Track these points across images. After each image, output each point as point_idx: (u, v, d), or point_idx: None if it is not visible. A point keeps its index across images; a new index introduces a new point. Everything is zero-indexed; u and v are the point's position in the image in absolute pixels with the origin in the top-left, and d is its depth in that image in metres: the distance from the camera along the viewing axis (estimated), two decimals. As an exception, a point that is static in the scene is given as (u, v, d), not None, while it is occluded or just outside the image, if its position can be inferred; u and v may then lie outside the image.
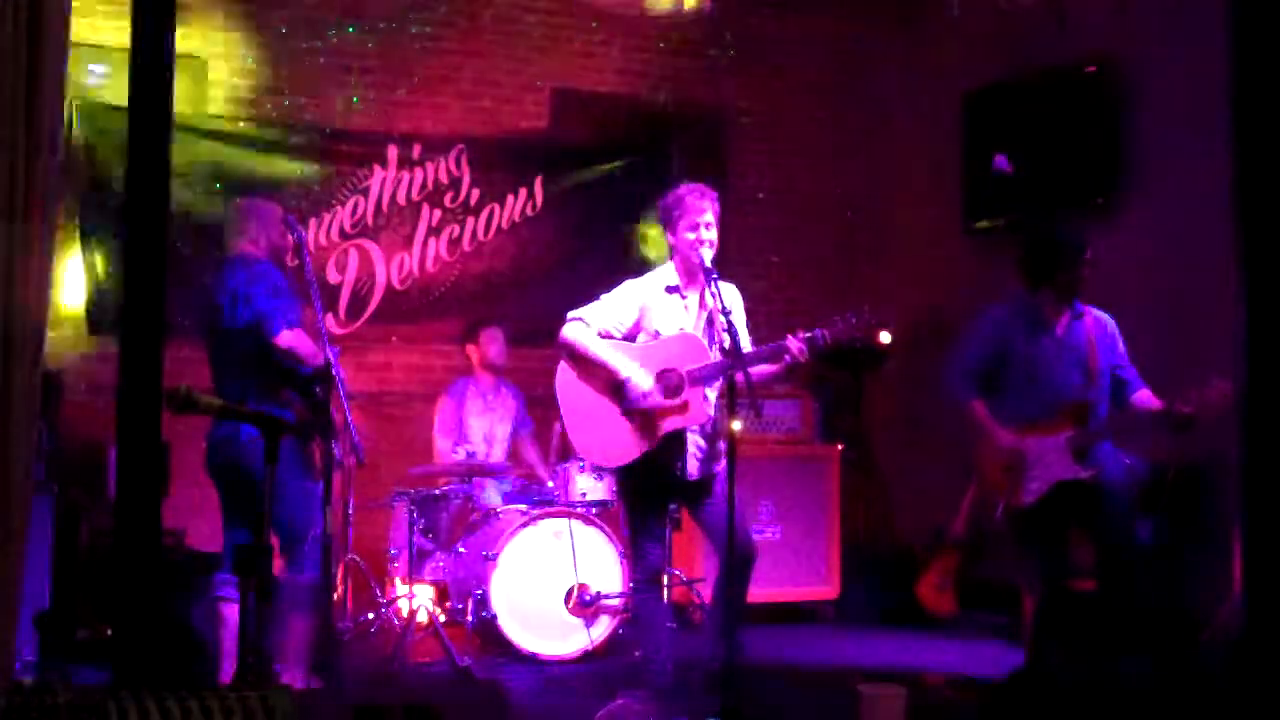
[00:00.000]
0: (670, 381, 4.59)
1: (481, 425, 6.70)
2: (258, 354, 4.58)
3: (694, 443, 4.67)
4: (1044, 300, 4.87)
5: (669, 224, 4.68)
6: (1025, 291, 4.93)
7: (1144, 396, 4.81)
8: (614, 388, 4.64)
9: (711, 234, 4.62)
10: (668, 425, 4.60)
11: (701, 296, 4.70)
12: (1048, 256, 4.86)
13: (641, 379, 4.56)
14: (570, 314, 4.75)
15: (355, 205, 7.27)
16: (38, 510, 4.57)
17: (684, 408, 4.58)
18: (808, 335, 4.45)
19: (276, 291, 4.58)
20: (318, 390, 4.52)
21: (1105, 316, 4.93)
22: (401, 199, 7.36)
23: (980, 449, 4.96)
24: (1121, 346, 4.90)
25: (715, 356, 4.58)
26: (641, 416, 4.61)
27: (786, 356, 4.45)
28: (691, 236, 4.61)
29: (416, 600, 5.79)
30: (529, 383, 7.04)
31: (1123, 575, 4.70)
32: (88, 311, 6.61)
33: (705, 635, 4.93)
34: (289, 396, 4.62)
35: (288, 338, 4.52)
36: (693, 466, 4.67)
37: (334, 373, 4.48)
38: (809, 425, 7.25)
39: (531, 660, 5.70)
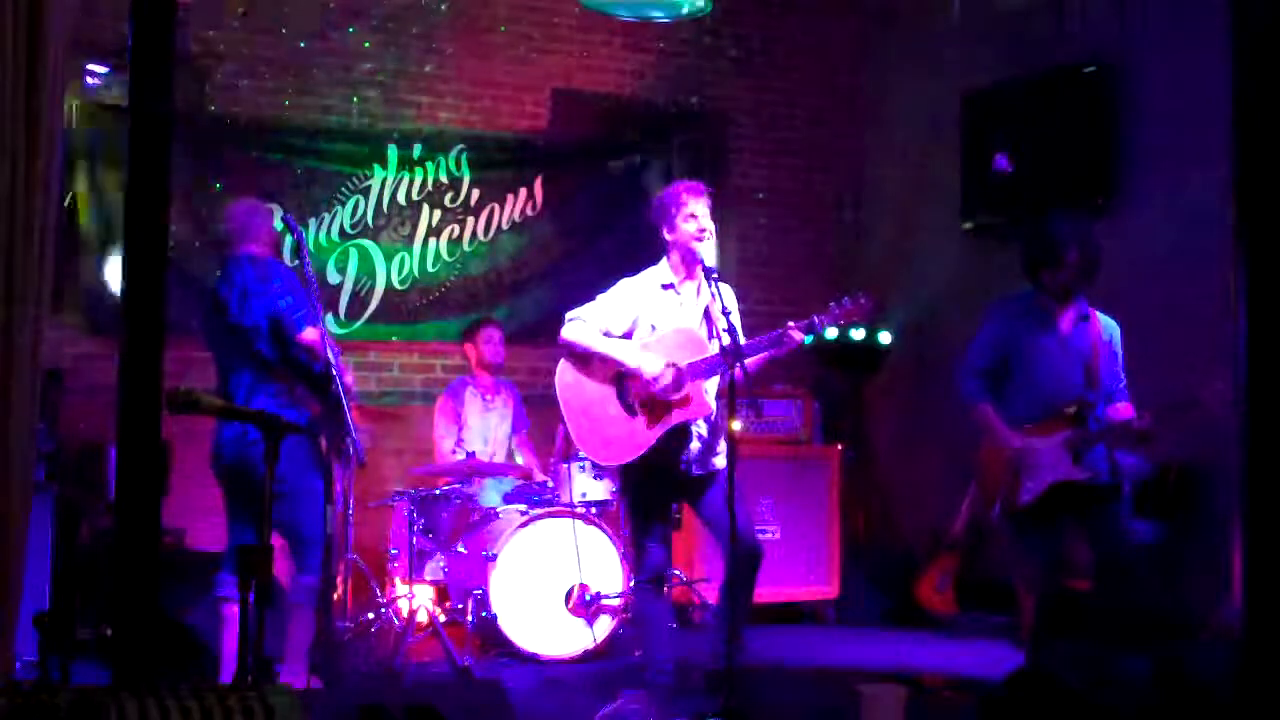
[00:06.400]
0: (671, 376, 4.60)
1: (481, 425, 6.70)
2: (272, 351, 4.58)
3: (697, 435, 4.68)
4: (1046, 299, 4.87)
5: (666, 220, 4.70)
6: (1031, 290, 4.93)
7: (1118, 407, 4.82)
8: (618, 382, 4.66)
9: (710, 224, 4.65)
10: (670, 419, 4.61)
11: (698, 290, 4.73)
12: (1034, 255, 4.86)
13: (651, 363, 4.57)
14: (569, 314, 4.76)
15: (355, 205, 7.27)
16: (38, 510, 4.57)
17: (685, 401, 4.59)
18: (806, 322, 4.51)
19: (292, 289, 4.58)
20: (331, 388, 4.52)
21: (1111, 322, 4.92)
22: (401, 199, 7.37)
23: (982, 448, 4.96)
24: (1121, 354, 4.90)
25: (714, 349, 4.60)
26: (644, 412, 4.62)
27: (786, 341, 4.50)
28: (691, 228, 4.63)
29: (416, 600, 5.79)
30: (529, 382, 7.06)
31: (1120, 575, 4.70)
32: (87, 311, 6.61)
33: (709, 634, 4.93)
34: (302, 394, 4.62)
35: (310, 334, 4.52)
36: (695, 460, 4.69)
37: (335, 372, 4.48)
38: (809, 425, 7.25)
39: (531, 660, 5.70)
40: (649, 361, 4.58)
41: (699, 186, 4.72)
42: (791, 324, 4.54)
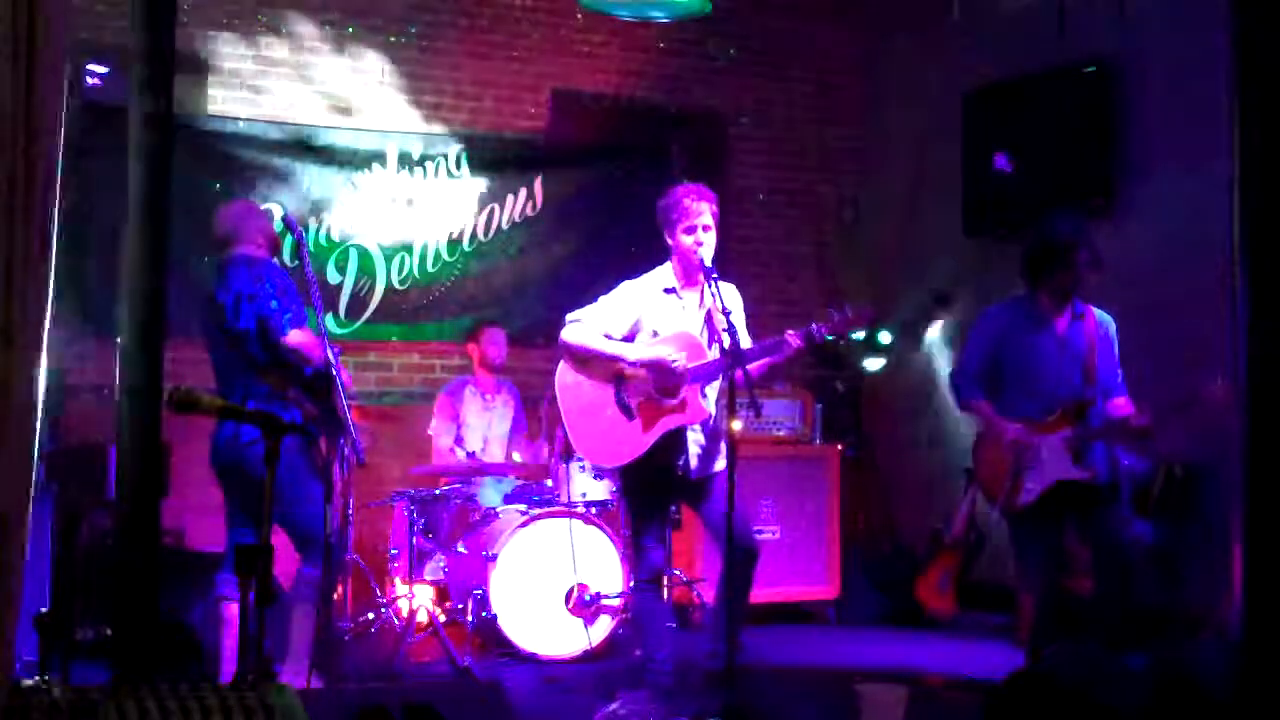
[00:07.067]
0: (669, 380, 4.60)
1: (481, 424, 6.70)
2: (263, 354, 4.58)
3: (694, 440, 4.68)
4: (1044, 299, 4.87)
5: (666, 226, 4.69)
6: (1026, 290, 4.94)
7: (1116, 404, 4.82)
8: (617, 384, 4.66)
9: (709, 236, 4.63)
10: (667, 424, 4.61)
11: (701, 296, 4.72)
12: (1042, 256, 4.86)
13: (657, 350, 4.56)
14: (569, 316, 4.76)
15: (355, 205, 7.27)
16: (38, 510, 4.56)
17: (681, 406, 4.59)
18: (805, 330, 4.49)
19: (283, 291, 4.58)
20: (330, 389, 4.52)
21: (1107, 318, 4.93)
22: (402, 199, 7.36)
23: (980, 447, 4.97)
24: (1115, 350, 4.90)
25: (714, 355, 4.60)
26: (641, 415, 4.62)
27: (784, 348, 4.49)
28: (689, 240, 4.62)
29: (416, 600, 5.79)
30: (529, 383, 7.05)
31: (1120, 575, 4.70)
32: (87, 311, 6.60)
33: (706, 634, 4.93)
34: (296, 395, 4.62)
35: (296, 337, 4.53)
36: (694, 464, 4.68)
37: (334, 372, 4.48)
38: (809, 425, 7.24)
39: (531, 660, 5.70)
40: (654, 350, 4.58)
41: (702, 191, 4.67)
42: (790, 332, 4.53)
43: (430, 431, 6.74)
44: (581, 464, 6.10)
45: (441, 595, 6.19)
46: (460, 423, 6.68)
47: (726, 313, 4.41)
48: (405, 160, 7.35)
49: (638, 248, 6.15)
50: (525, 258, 7.60)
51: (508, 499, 6.34)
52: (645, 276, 4.80)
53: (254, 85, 7.12)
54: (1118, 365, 4.89)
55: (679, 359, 4.56)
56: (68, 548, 5.40)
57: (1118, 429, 4.73)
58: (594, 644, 5.80)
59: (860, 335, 7.48)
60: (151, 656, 3.10)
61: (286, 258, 6.30)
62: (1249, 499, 2.84)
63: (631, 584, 5.34)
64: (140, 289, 3.16)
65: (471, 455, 6.35)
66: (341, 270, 7.23)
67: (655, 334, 4.69)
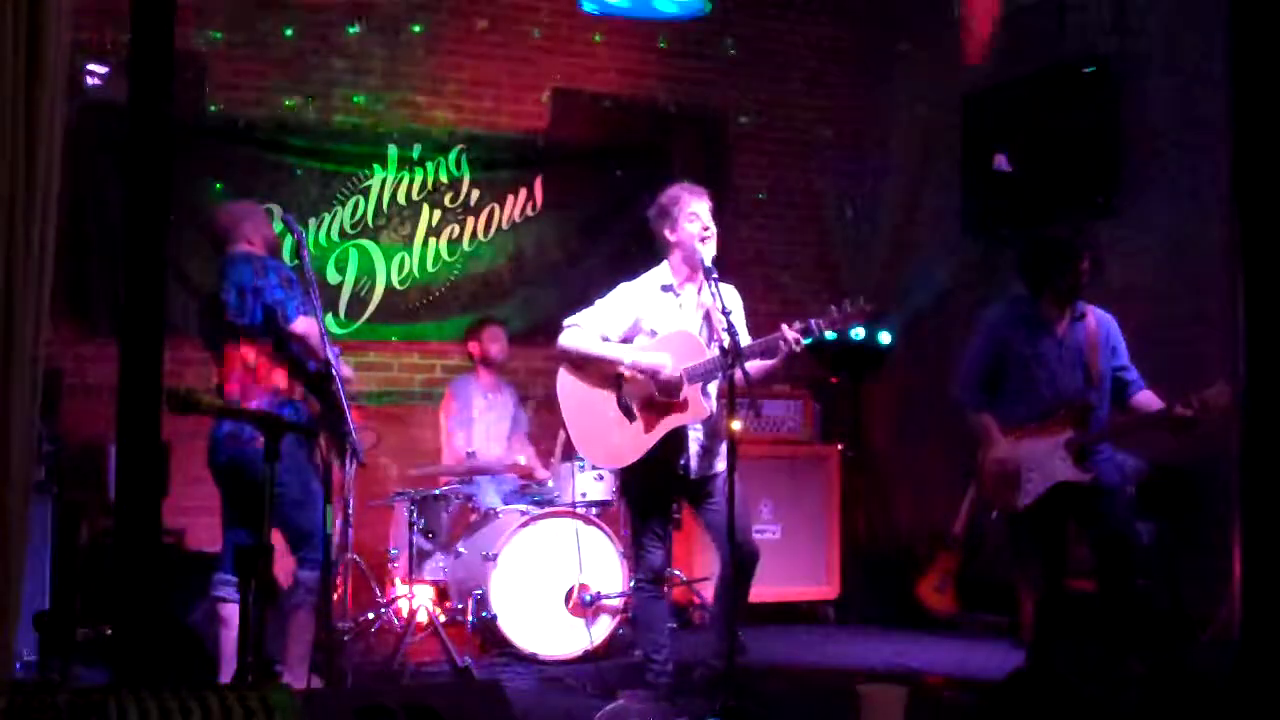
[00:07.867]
0: (673, 365, 4.60)
1: (483, 423, 6.71)
2: (267, 349, 4.58)
3: (695, 440, 4.68)
4: (1044, 302, 4.87)
5: (668, 221, 4.69)
6: (1026, 293, 4.94)
7: (1145, 398, 4.80)
8: (617, 386, 4.65)
9: (712, 224, 4.65)
10: (667, 423, 4.61)
11: (699, 294, 4.72)
12: (1044, 261, 4.86)
13: (654, 357, 4.56)
14: (566, 320, 4.76)
15: (355, 205, 7.27)
16: (38, 510, 4.57)
17: (683, 405, 4.59)
18: (802, 326, 4.48)
19: (288, 282, 4.59)
20: (330, 386, 4.52)
21: (1107, 317, 4.92)
22: (401, 199, 7.37)
23: (981, 450, 4.96)
24: (1123, 347, 4.90)
25: (713, 354, 4.59)
26: (642, 416, 4.62)
27: (782, 345, 4.47)
28: (695, 227, 4.63)
29: (416, 600, 5.78)
30: (529, 382, 7.06)
31: (1121, 575, 4.70)
32: (87, 311, 6.60)
33: (707, 635, 4.93)
34: (301, 392, 4.62)
35: (302, 324, 4.53)
36: (694, 464, 4.68)
37: (334, 372, 4.48)
38: (809, 425, 7.25)
39: (531, 660, 5.70)
40: (649, 357, 4.58)
41: (698, 188, 4.72)
42: (786, 327, 4.52)
43: (444, 431, 6.74)
44: (582, 464, 6.10)
45: (441, 595, 6.19)
46: (465, 420, 6.68)
47: (726, 313, 4.41)
48: (405, 160, 7.36)
49: (637, 248, 6.15)
50: (525, 258, 7.61)
51: (508, 499, 6.34)
52: (642, 277, 4.80)
53: (254, 85, 7.11)
54: (1128, 360, 4.88)
55: (669, 366, 4.55)
56: (68, 548, 5.41)
57: (1159, 422, 4.65)
58: (594, 644, 5.80)
59: (860, 333, 7.50)
60: (151, 656, 3.11)
61: (286, 258, 6.30)
62: (1248, 499, 2.84)
63: (632, 584, 5.34)
64: (140, 289, 3.16)
65: (471, 455, 6.35)
66: (341, 270, 7.23)
67: (653, 333, 4.69)
